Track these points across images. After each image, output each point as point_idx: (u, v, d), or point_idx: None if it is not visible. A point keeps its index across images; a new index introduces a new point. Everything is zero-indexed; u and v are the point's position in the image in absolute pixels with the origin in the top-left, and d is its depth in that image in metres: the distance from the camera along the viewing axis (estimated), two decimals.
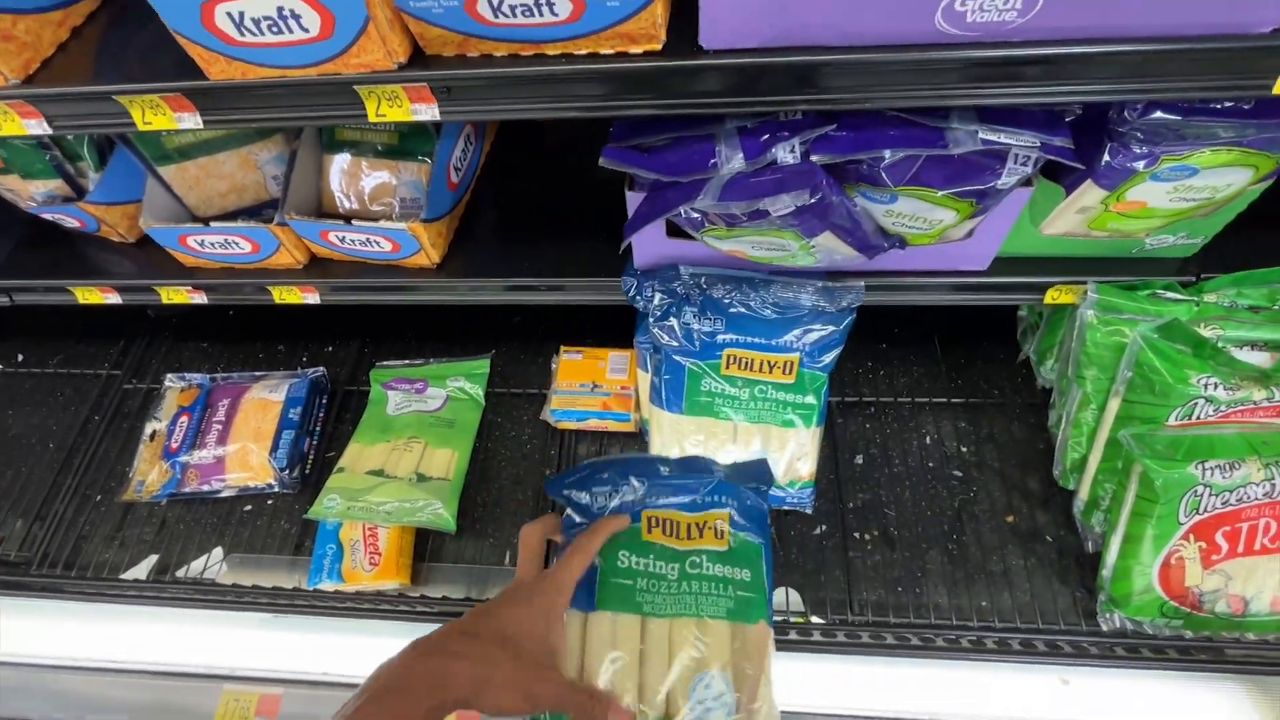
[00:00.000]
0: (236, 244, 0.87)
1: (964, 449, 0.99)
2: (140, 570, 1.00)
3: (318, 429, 1.08)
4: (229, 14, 0.51)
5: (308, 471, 1.05)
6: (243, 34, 0.53)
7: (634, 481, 0.72)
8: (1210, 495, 0.70)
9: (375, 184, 0.89)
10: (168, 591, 0.98)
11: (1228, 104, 0.57)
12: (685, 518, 0.71)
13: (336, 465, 1.00)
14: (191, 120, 0.61)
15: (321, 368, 1.11)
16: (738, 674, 0.63)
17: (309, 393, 1.06)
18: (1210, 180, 0.65)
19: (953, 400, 1.03)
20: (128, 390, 1.19)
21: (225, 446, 1.03)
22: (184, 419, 1.07)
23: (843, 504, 0.95)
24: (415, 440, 0.98)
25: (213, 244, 0.87)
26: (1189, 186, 0.66)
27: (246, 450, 1.01)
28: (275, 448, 1.01)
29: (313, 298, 0.94)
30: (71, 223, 0.93)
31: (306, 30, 0.52)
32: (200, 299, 0.96)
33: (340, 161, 0.88)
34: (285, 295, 0.95)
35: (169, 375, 1.14)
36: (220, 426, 1.04)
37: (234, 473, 1.02)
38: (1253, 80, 0.52)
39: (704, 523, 0.71)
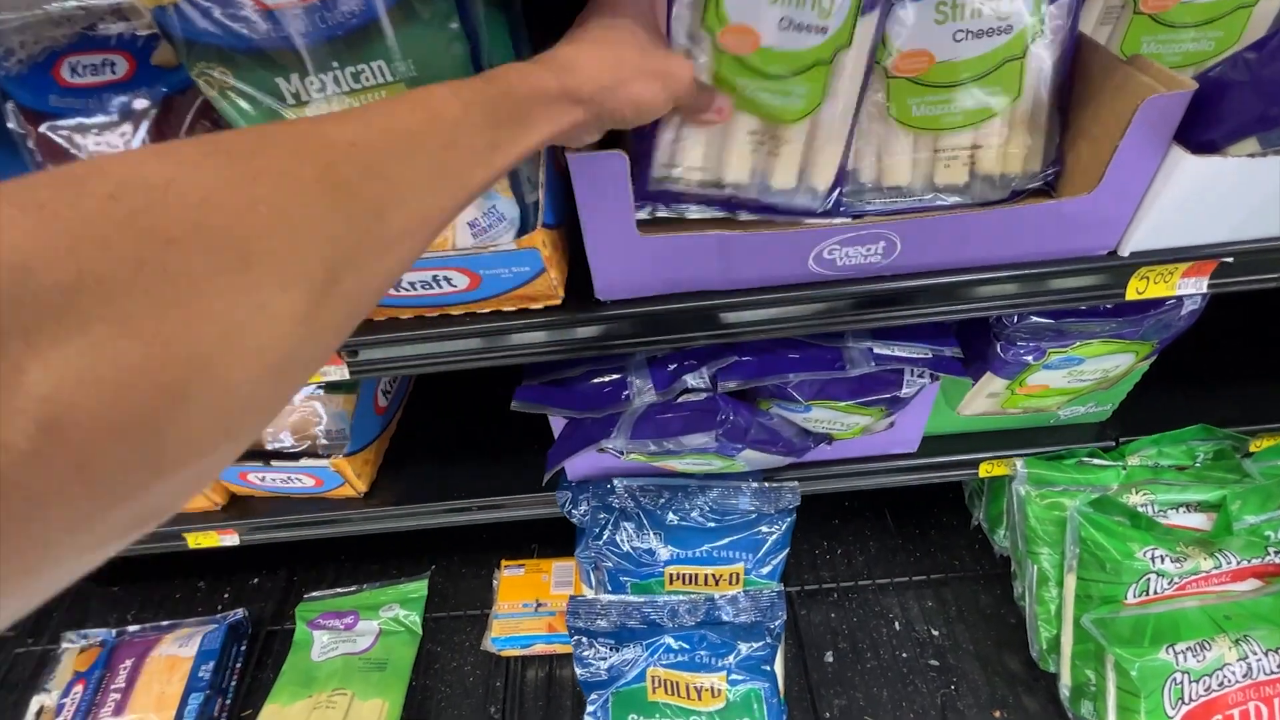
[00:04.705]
0: None
1: (935, 632, 0.94)
2: None
3: (233, 683, 0.96)
4: None
5: None
6: None
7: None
8: (1190, 682, 0.66)
9: (299, 417, 0.87)
10: None
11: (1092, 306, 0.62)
12: (685, 678, 0.79)
13: None
14: None
15: (241, 610, 1.02)
16: None
17: (225, 642, 0.96)
18: (1098, 365, 0.69)
19: (914, 578, 0.99)
20: (19, 655, 1.06)
21: None
22: (79, 688, 0.94)
23: (817, 715, 0.86)
24: (340, 693, 0.87)
25: None
26: (1080, 371, 0.69)
27: None
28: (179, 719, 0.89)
29: (231, 540, 0.89)
30: None
31: None
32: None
33: None
34: (201, 540, 0.89)
35: (67, 634, 1.02)
36: (119, 695, 0.92)
37: None
38: (1106, 292, 0.57)
39: (701, 684, 0.79)
